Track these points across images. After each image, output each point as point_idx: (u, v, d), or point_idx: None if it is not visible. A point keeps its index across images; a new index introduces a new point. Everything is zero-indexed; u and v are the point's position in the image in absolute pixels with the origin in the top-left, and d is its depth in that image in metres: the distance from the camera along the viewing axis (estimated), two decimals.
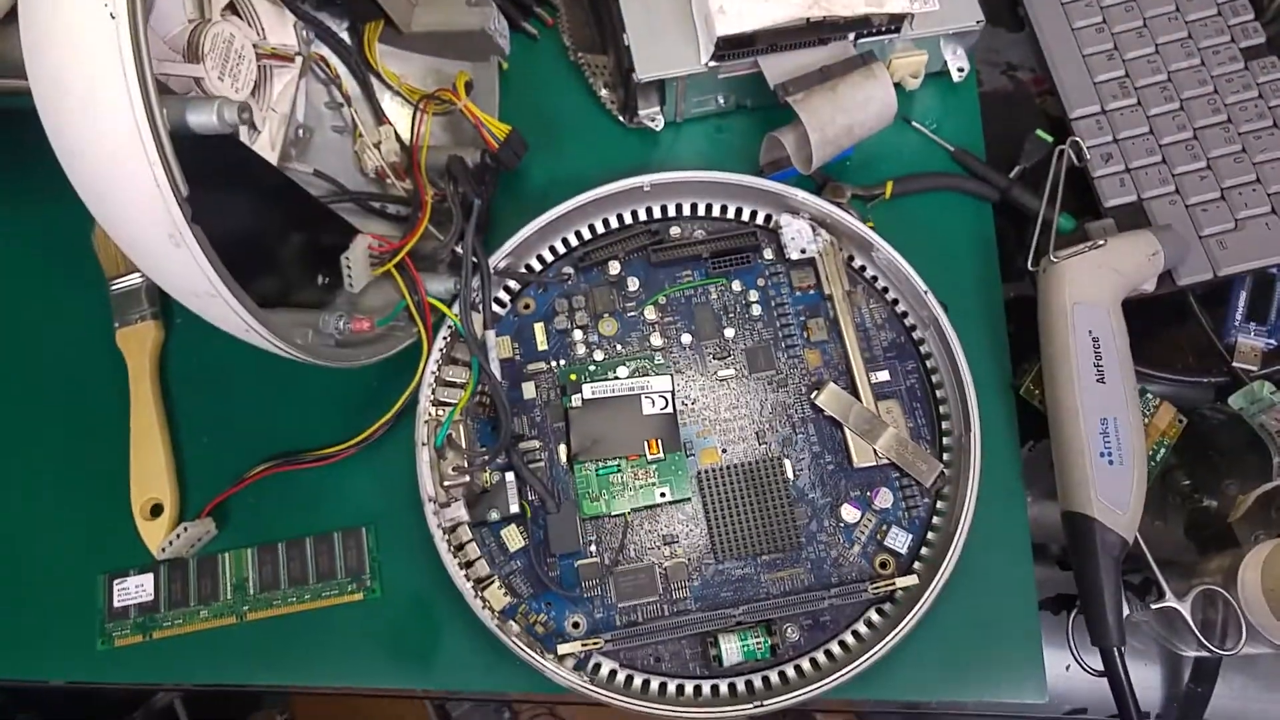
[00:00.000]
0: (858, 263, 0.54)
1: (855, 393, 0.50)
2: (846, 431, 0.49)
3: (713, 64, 0.54)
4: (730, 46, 0.53)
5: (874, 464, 0.48)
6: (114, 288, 0.55)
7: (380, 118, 0.56)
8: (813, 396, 0.50)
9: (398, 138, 0.55)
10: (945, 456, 0.49)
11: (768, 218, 0.55)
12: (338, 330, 0.45)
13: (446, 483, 0.48)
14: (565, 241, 0.54)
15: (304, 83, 0.54)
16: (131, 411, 0.53)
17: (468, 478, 0.48)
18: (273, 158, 0.51)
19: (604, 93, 0.59)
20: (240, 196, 0.43)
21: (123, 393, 0.53)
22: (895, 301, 0.53)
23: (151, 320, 0.54)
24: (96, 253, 0.56)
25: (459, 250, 0.51)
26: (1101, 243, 0.48)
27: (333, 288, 0.50)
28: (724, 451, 0.50)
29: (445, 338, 0.50)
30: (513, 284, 0.54)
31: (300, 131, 0.54)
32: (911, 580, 0.46)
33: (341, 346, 0.46)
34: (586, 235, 0.55)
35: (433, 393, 0.49)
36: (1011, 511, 0.49)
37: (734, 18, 0.52)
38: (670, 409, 0.50)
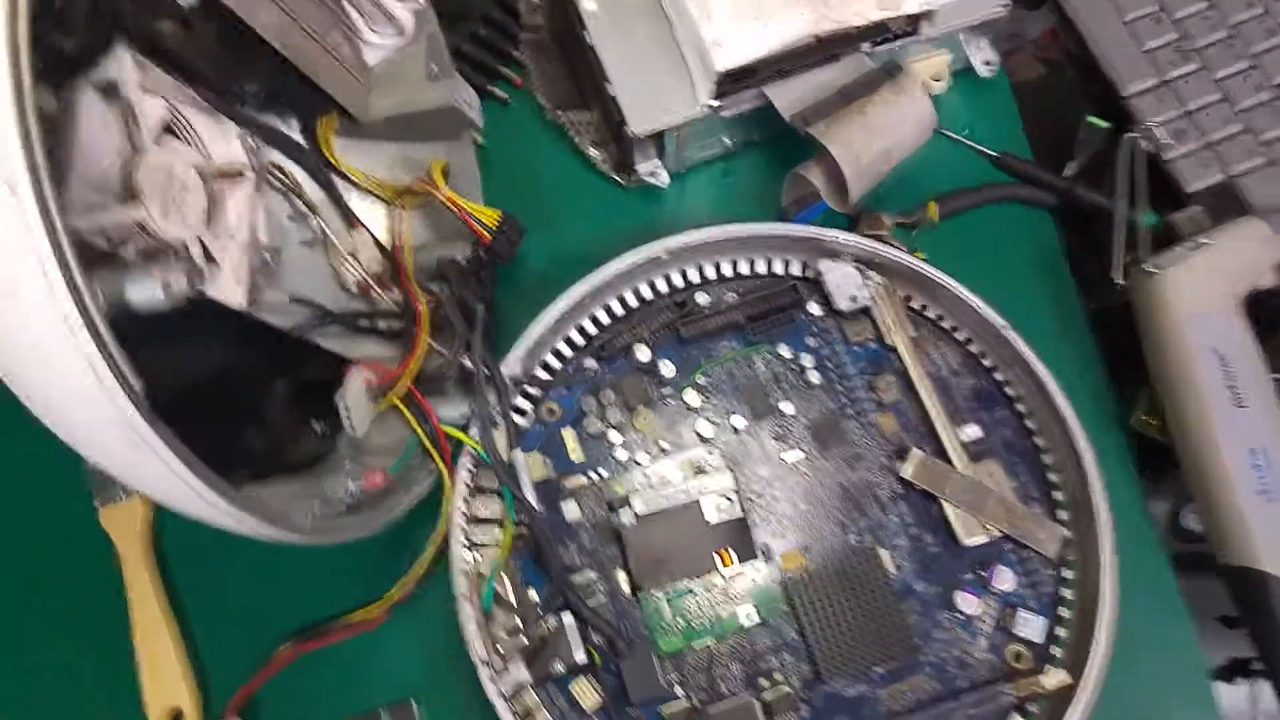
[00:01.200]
0: (917, 302, 0.47)
1: (945, 457, 0.43)
2: (945, 505, 0.42)
3: (714, 104, 0.47)
4: (732, 81, 0.47)
5: (985, 539, 0.42)
6: (89, 465, 0.48)
7: (352, 222, 0.49)
8: (898, 469, 0.43)
9: (376, 243, 0.49)
10: (1062, 516, 0.42)
11: (804, 267, 0.48)
12: (349, 495, 0.38)
13: (499, 645, 0.41)
14: (581, 330, 0.48)
15: (261, 198, 0.47)
16: (130, 603, 0.46)
17: (523, 637, 0.41)
18: (239, 294, 0.44)
19: (593, 152, 0.53)
20: (207, 357, 0.36)
21: (114, 580, 0.46)
22: (968, 341, 0.46)
23: (137, 497, 0.47)
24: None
25: (467, 364, 0.44)
26: (1204, 241, 0.41)
27: (332, 434, 0.43)
28: (807, 550, 0.43)
29: (469, 468, 0.44)
30: (531, 389, 0.47)
31: (267, 255, 0.47)
32: (1061, 678, 0.39)
33: (354, 512, 0.39)
34: (604, 319, 0.48)
35: (465, 536, 0.42)
36: (1151, 565, 0.43)
37: (733, 49, 0.46)
38: (737, 510, 0.43)
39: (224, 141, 0.45)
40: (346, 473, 0.39)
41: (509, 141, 0.53)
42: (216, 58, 0.43)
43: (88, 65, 0.33)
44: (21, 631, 0.47)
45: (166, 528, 0.48)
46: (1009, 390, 0.45)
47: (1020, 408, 0.44)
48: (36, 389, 0.28)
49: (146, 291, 0.27)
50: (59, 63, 0.30)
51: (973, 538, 0.42)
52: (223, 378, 0.37)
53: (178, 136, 0.43)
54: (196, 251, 0.42)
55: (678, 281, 0.48)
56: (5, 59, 0.24)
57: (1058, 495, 0.43)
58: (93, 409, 0.27)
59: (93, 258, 0.29)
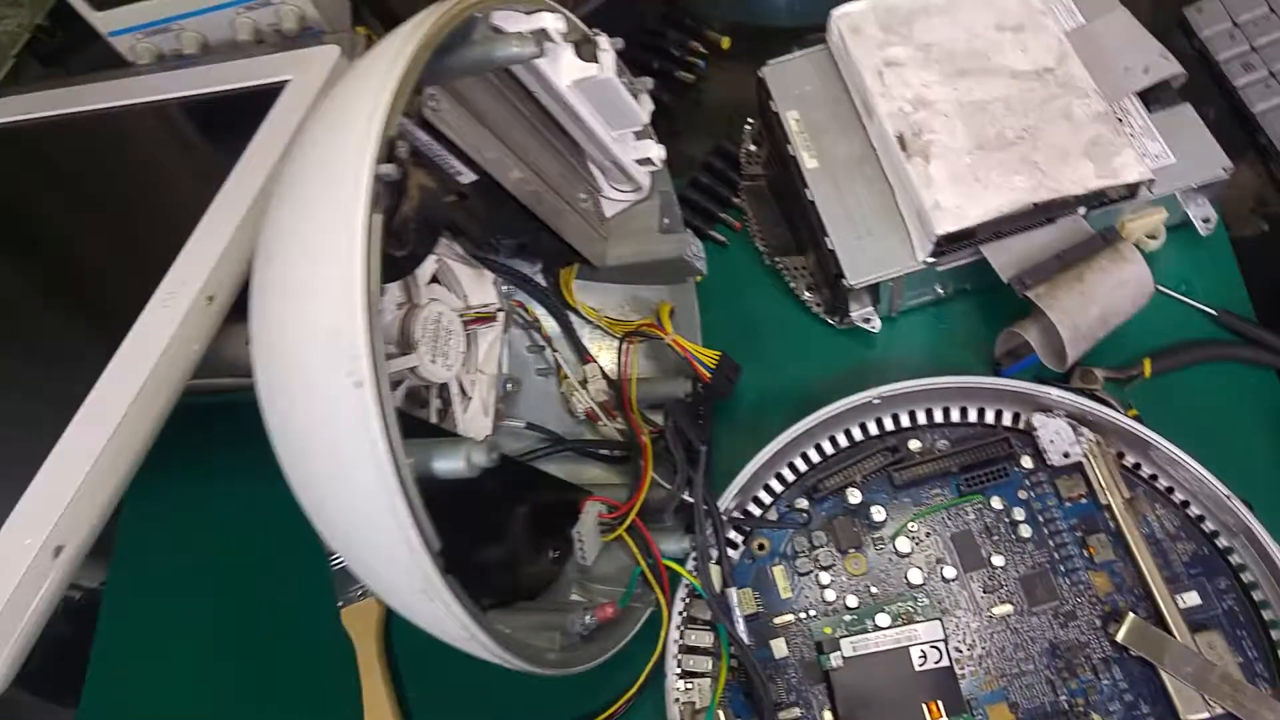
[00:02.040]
0: (1130, 460, 0.47)
1: (1162, 623, 0.43)
2: (1164, 676, 0.42)
3: (930, 260, 0.50)
4: (950, 241, 0.49)
5: (1206, 715, 0.41)
6: (334, 563, 0.53)
7: (584, 355, 0.53)
8: (1112, 631, 0.43)
9: (604, 374, 0.53)
10: None
11: (1016, 417, 0.49)
12: (584, 626, 0.41)
13: None
14: (793, 467, 0.50)
15: (506, 335, 0.52)
16: (364, 695, 0.50)
17: None
18: (487, 424, 0.49)
19: (807, 295, 0.56)
20: (475, 500, 0.40)
21: (351, 671, 0.51)
22: (1186, 504, 0.46)
23: (372, 596, 0.52)
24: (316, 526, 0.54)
25: (686, 498, 0.47)
26: None
27: (561, 560, 0.46)
28: (1016, 708, 0.43)
29: (683, 599, 0.46)
30: (743, 524, 0.49)
31: (509, 385, 0.52)
32: None
33: (588, 643, 0.42)
34: (815, 458, 0.50)
35: (679, 664, 0.45)
36: None
37: (954, 213, 0.48)
38: (945, 660, 0.44)
39: (480, 287, 0.51)
40: (585, 611, 0.42)
41: (726, 281, 0.57)
42: (481, 219, 0.48)
43: (415, 266, 0.38)
44: (266, 713, 0.52)
45: (397, 627, 0.52)
46: (1233, 558, 0.44)
47: (1246, 578, 0.44)
48: (355, 549, 0.32)
49: (452, 463, 0.31)
50: (391, 268, 0.35)
51: (1194, 714, 0.41)
52: (491, 521, 0.41)
53: (441, 284, 0.49)
54: (455, 390, 0.47)
55: (889, 425, 0.50)
56: (360, 283, 0.28)
57: None
58: (399, 569, 0.31)
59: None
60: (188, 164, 0.55)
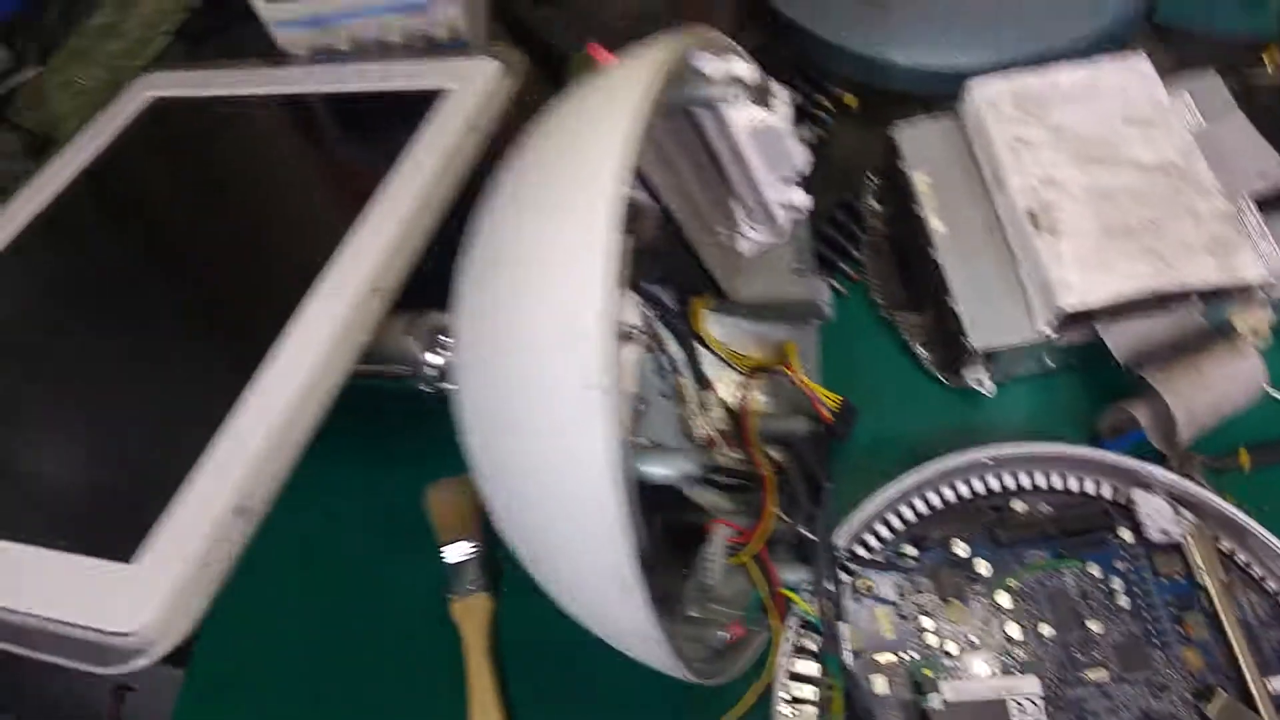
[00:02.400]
0: (1225, 545, 0.50)
1: (1251, 704, 0.45)
2: None
3: (1050, 334, 0.52)
4: (1071, 319, 0.51)
5: None
6: (447, 558, 0.55)
7: (705, 383, 0.56)
8: (1202, 707, 0.45)
9: (723, 404, 0.55)
10: None
11: (1116, 490, 0.52)
12: (718, 642, 0.44)
13: None
14: (900, 515, 0.52)
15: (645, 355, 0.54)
16: (469, 686, 0.52)
17: None
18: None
19: (920, 351, 0.58)
20: (655, 517, 0.43)
21: (457, 663, 0.53)
22: (1278, 594, 0.48)
23: (483, 592, 0.54)
24: (430, 519, 0.56)
25: (804, 532, 0.49)
26: None
27: (687, 578, 0.49)
28: None
29: (794, 628, 0.48)
30: (851, 564, 0.51)
31: (640, 405, 0.54)
32: None
33: (720, 659, 0.44)
34: (922, 508, 0.52)
35: (786, 690, 0.47)
36: None
37: (1079, 291, 0.51)
38: (1041, 716, 0.46)
39: (626, 309, 0.53)
40: (719, 626, 0.44)
41: (841, 328, 0.59)
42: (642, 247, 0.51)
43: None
44: (373, 698, 0.54)
45: (505, 623, 0.54)
46: None
47: None
48: (562, 546, 0.35)
49: (664, 471, 0.34)
50: None
51: None
52: (654, 532, 0.44)
53: None
54: None
55: (994, 485, 0.52)
56: (606, 298, 0.31)
57: None
58: (603, 566, 0.34)
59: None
60: (349, 156, 0.58)
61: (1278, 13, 0.67)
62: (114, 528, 0.40)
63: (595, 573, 0.34)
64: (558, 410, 0.32)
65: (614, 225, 0.31)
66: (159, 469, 0.41)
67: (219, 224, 0.55)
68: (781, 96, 0.46)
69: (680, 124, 0.48)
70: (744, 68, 0.44)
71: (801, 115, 0.67)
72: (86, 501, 0.43)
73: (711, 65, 0.44)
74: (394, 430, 0.58)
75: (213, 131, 0.61)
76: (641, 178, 0.44)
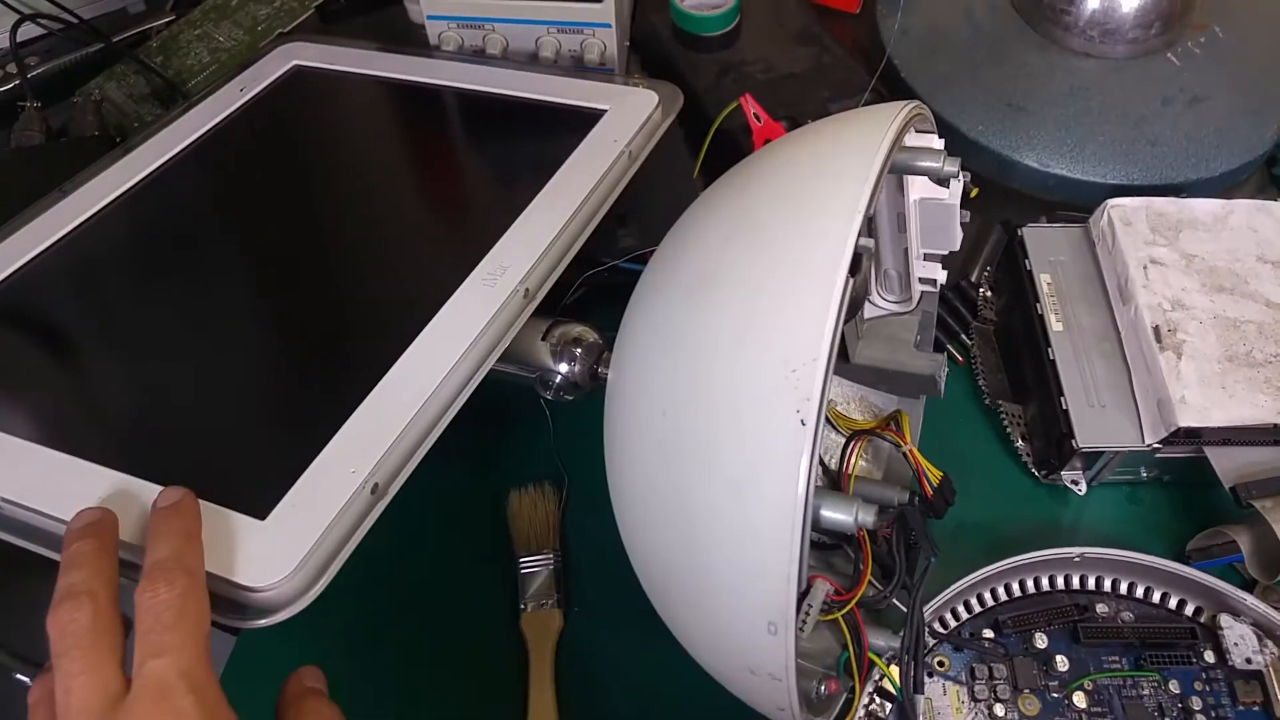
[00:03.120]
0: None
1: None
2: None
3: (1157, 445, 0.54)
4: (1183, 435, 0.53)
5: None
6: (523, 569, 0.55)
7: None
8: None
9: (821, 461, 0.56)
10: None
11: (1198, 610, 0.53)
12: (817, 696, 0.44)
13: None
14: (980, 599, 0.53)
15: None
16: (530, 697, 0.52)
17: None
18: None
19: (1020, 443, 0.59)
20: None
21: (516, 676, 0.53)
22: None
23: (555, 608, 0.54)
24: (510, 527, 0.57)
25: (895, 603, 0.50)
26: None
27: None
28: None
29: (869, 693, 0.49)
30: (929, 638, 0.52)
31: None
32: None
33: (814, 712, 0.45)
34: (1002, 595, 0.53)
35: None
36: None
37: (1196, 410, 0.52)
38: None
39: None
40: (818, 674, 0.44)
41: (943, 407, 0.60)
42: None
43: None
44: (432, 699, 0.54)
45: (571, 642, 0.55)
46: None
47: None
48: (727, 579, 0.36)
49: (841, 518, 0.35)
50: None
51: None
52: None
53: None
54: None
55: (1077, 584, 0.53)
56: (829, 335, 0.33)
57: None
58: (764, 593, 0.35)
59: None
60: (503, 157, 0.59)
61: None
62: (253, 483, 0.40)
63: (750, 609, 0.35)
64: (763, 438, 0.33)
65: (845, 269, 0.33)
66: (302, 432, 0.41)
67: (373, 199, 0.56)
68: (960, 177, 0.47)
69: None
70: (938, 143, 0.45)
71: None
72: (229, 454, 0.43)
73: (913, 138, 0.45)
74: (492, 433, 0.59)
75: (360, 107, 0.63)
76: None
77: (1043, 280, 0.60)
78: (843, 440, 0.56)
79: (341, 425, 0.42)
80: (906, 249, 0.51)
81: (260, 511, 0.39)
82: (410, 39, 0.70)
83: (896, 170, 0.42)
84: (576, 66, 0.68)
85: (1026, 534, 0.54)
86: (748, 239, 0.36)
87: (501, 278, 0.48)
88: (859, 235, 0.34)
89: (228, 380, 0.46)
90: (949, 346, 0.63)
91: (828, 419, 0.58)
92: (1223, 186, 0.70)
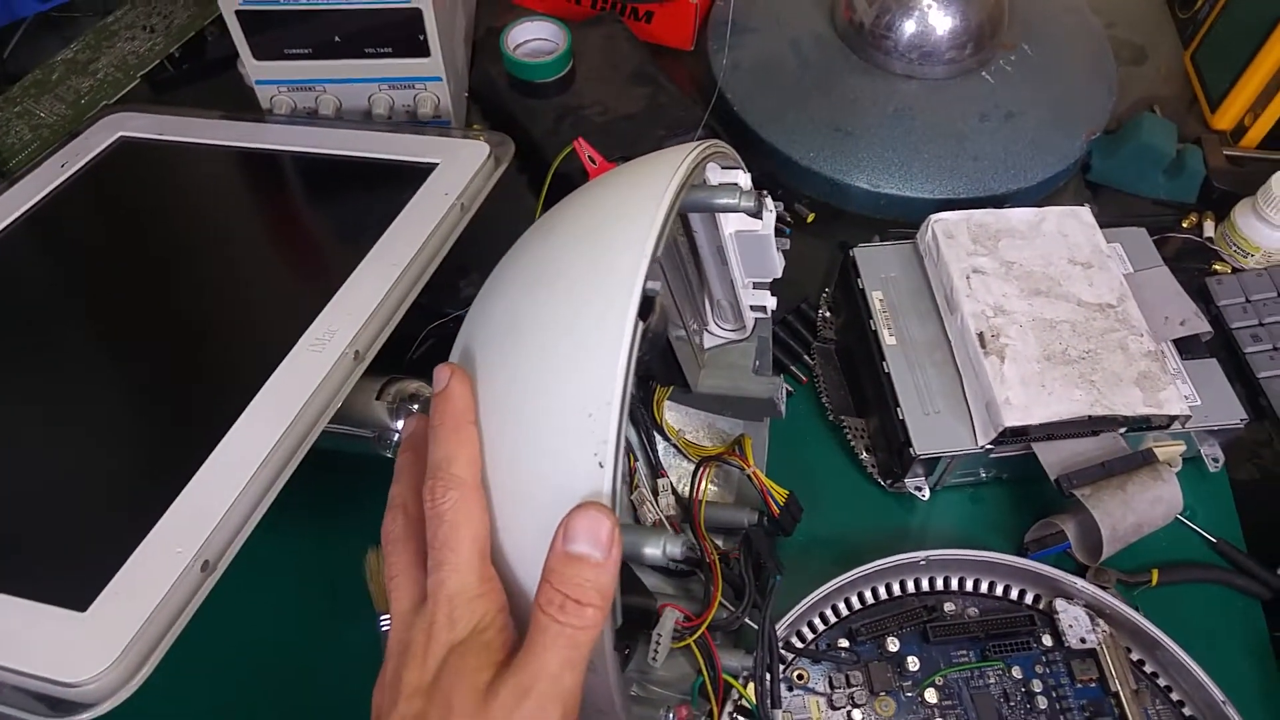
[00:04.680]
0: (1135, 655, 0.55)
1: None
2: None
3: (989, 446, 0.58)
4: (1011, 434, 0.57)
5: None
6: (384, 627, 0.57)
7: (658, 469, 0.59)
8: None
9: (673, 489, 0.59)
10: None
11: (1037, 598, 0.57)
12: None
13: None
14: (835, 609, 0.56)
15: None
16: None
17: None
18: None
19: (864, 455, 0.63)
20: None
21: None
22: (1181, 704, 0.53)
23: None
24: (368, 586, 0.58)
25: (748, 621, 0.52)
26: None
27: (629, 658, 0.51)
28: None
29: (730, 713, 0.51)
30: (786, 653, 0.55)
31: None
32: None
33: None
34: (855, 604, 0.56)
35: None
36: None
37: (1020, 410, 0.56)
38: None
39: None
40: (666, 709, 0.46)
41: (788, 427, 0.64)
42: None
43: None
44: None
45: None
46: None
47: None
48: None
49: (652, 551, 0.37)
50: None
51: None
52: None
53: None
54: None
55: (926, 586, 0.57)
56: (620, 378, 0.34)
57: None
58: None
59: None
60: (334, 218, 0.61)
61: (1197, 183, 0.76)
62: (73, 575, 0.40)
63: None
64: (565, 480, 0.35)
65: (634, 313, 0.35)
66: (124, 519, 0.42)
67: (197, 271, 0.57)
68: (770, 208, 0.50)
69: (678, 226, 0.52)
70: (744, 178, 0.48)
71: None
72: (46, 547, 0.43)
73: (716, 174, 0.48)
74: (339, 494, 0.60)
75: (187, 176, 0.64)
76: None
77: (875, 297, 0.64)
78: (693, 468, 0.59)
79: (169, 506, 0.43)
80: (732, 280, 0.54)
81: (80, 603, 0.39)
82: (246, 104, 0.72)
83: (696, 209, 0.45)
84: (412, 122, 0.71)
85: (877, 542, 0.57)
86: (548, 287, 0.38)
87: (330, 342, 0.49)
88: (645, 279, 0.36)
89: (50, 469, 0.47)
90: (792, 368, 0.67)
91: (677, 448, 0.60)
92: (1044, 194, 0.75)
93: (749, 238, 0.51)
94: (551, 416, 0.36)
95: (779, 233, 0.71)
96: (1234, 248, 0.73)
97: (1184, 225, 0.76)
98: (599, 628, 0.34)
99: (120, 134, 0.67)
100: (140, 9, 0.79)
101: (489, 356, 0.39)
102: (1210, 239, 0.75)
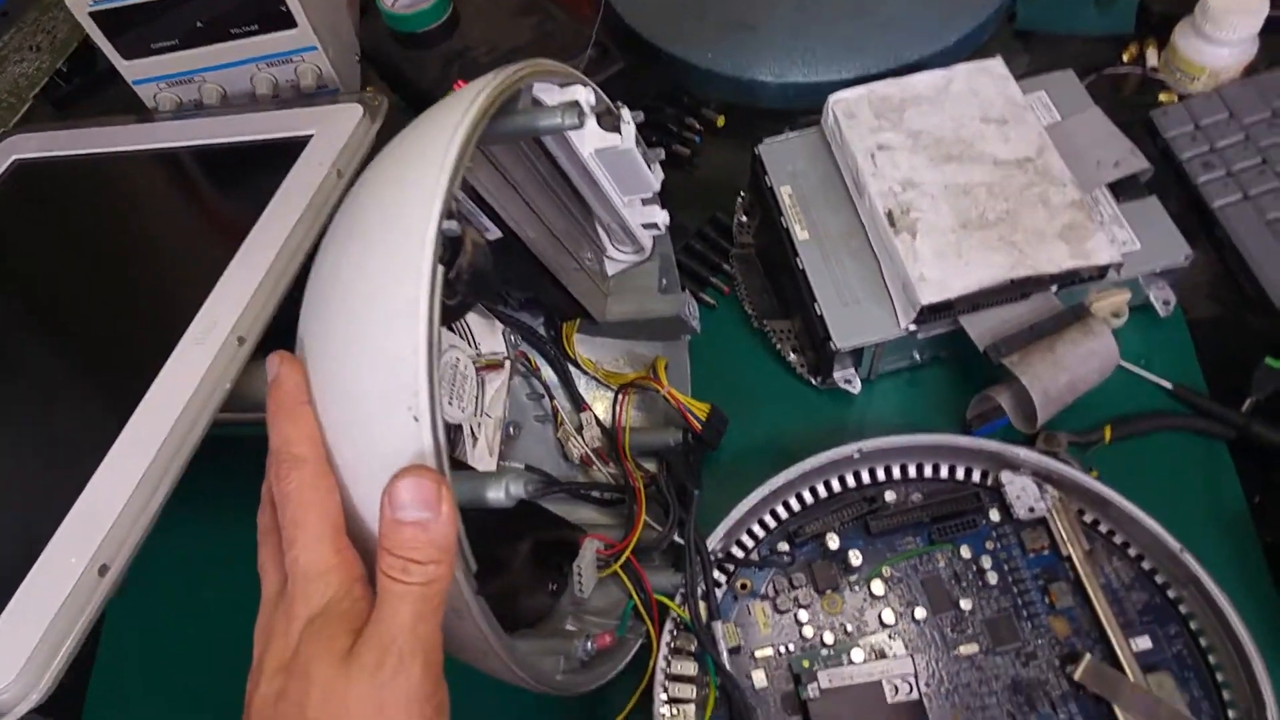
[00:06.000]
0: (1090, 516, 0.55)
1: (1116, 663, 0.51)
2: (1118, 712, 0.49)
3: (912, 328, 0.58)
4: (932, 312, 0.57)
5: None
6: None
7: (580, 404, 0.61)
8: (1070, 671, 0.51)
9: (598, 422, 0.60)
10: None
11: (985, 474, 0.57)
12: (584, 654, 0.48)
13: None
14: (774, 514, 0.57)
15: (511, 381, 0.60)
16: None
17: None
18: (492, 464, 0.56)
19: (792, 357, 0.64)
20: (490, 534, 0.47)
21: None
22: (1140, 558, 0.54)
23: None
24: None
25: (677, 539, 0.54)
26: None
27: (558, 593, 0.53)
28: None
29: (670, 630, 0.53)
30: (728, 564, 0.56)
31: (511, 429, 0.59)
32: None
33: (587, 669, 0.49)
34: (796, 506, 0.58)
35: (665, 691, 0.52)
36: None
37: (936, 285, 0.57)
38: (915, 694, 0.51)
39: (491, 336, 0.59)
40: (584, 633, 0.49)
41: (714, 340, 0.65)
42: (499, 273, 0.56)
43: (462, 314, 0.45)
44: None
45: None
46: (1182, 607, 0.52)
47: (1193, 625, 0.51)
48: None
49: (494, 495, 0.38)
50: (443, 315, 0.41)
51: None
52: (490, 540, 0.48)
53: (454, 332, 0.57)
54: (466, 432, 0.54)
55: (867, 478, 0.58)
56: (424, 327, 0.35)
57: (1231, 714, 0.49)
58: None
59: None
60: (215, 208, 0.63)
61: (1133, 10, 0.74)
62: None
63: None
64: (385, 441, 0.36)
65: (430, 257, 0.36)
66: (21, 530, 0.45)
67: (85, 284, 0.59)
68: (628, 119, 0.51)
69: (533, 153, 0.53)
70: (585, 94, 0.48)
71: (671, 137, 0.73)
72: None
73: (552, 94, 0.49)
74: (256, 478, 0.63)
75: (78, 191, 0.66)
76: (491, 209, 0.49)
77: (784, 193, 0.64)
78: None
79: (63, 519, 0.45)
80: (610, 201, 0.55)
81: None
82: (144, 107, 0.74)
83: (518, 135, 0.46)
84: (301, 96, 0.72)
85: (816, 442, 0.58)
86: (358, 241, 0.39)
87: (212, 332, 0.51)
88: (440, 220, 0.37)
89: None
90: (713, 280, 0.68)
91: (599, 380, 0.62)
92: (967, 53, 0.74)
93: (611, 154, 0.52)
94: (364, 379, 0.37)
95: (686, 142, 0.72)
96: (1178, 74, 0.72)
97: (1124, 59, 0.74)
98: (446, 579, 0.35)
99: (14, 157, 0.70)
100: (26, 31, 0.81)
101: (311, 326, 0.41)
102: (1155, 69, 0.74)
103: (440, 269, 0.37)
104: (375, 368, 0.36)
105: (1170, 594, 0.53)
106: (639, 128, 0.51)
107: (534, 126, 0.45)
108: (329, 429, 0.38)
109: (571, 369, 0.62)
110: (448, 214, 0.37)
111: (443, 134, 0.39)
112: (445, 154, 0.38)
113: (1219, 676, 0.50)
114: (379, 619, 0.35)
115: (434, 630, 0.36)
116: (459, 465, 0.53)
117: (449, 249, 0.39)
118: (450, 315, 0.44)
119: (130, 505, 0.45)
